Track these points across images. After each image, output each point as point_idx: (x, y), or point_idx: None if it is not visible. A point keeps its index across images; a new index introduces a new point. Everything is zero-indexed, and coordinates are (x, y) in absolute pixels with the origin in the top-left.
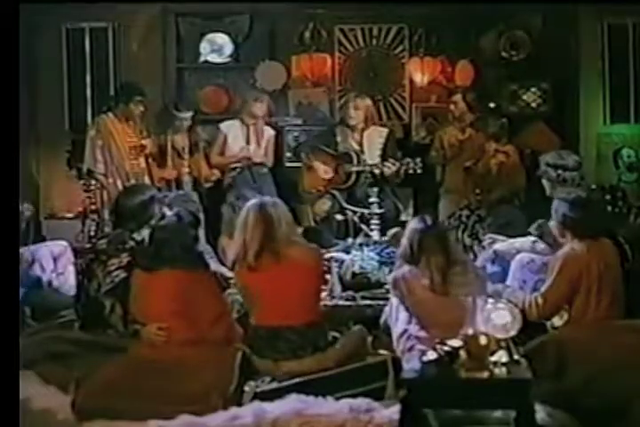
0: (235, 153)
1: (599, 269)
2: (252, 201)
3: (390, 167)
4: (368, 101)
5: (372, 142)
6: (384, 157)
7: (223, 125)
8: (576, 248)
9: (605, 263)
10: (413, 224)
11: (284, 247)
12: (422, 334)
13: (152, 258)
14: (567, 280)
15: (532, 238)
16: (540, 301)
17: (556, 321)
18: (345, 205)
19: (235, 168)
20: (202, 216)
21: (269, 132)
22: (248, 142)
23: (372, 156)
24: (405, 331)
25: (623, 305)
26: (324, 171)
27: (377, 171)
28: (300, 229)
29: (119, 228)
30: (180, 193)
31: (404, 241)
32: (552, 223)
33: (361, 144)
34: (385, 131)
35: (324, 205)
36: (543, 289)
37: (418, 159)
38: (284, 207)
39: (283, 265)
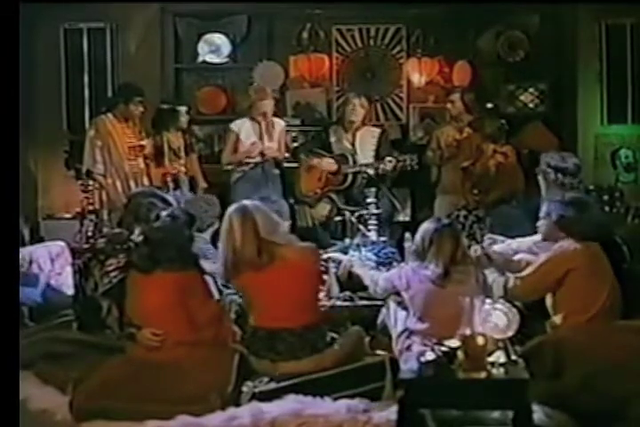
0: (248, 149)
1: (590, 271)
2: (234, 206)
3: (387, 165)
4: (367, 101)
5: (365, 143)
6: (378, 158)
7: (234, 124)
8: (572, 247)
9: (597, 266)
10: (428, 224)
11: (278, 248)
12: (419, 326)
13: (147, 259)
14: (549, 270)
15: (531, 239)
16: (517, 281)
17: (557, 319)
18: (342, 207)
19: (247, 163)
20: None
21: (280, 124)
22: (261, 138)
23: (366, 156)
24: (405, 330)
25: (619, 309)
26: (327, 164)
27: (372, 171)
28: (286, 229)
29: (123, 227)
30: (201, 195)
31: (417, 239)
32: (542, 223)
33: (354, 144)
34: (377, 131)
35: (324, 210)
36: (524, 272)
37: (414, 155)
38: (264, 209)
39: (279, 266)
